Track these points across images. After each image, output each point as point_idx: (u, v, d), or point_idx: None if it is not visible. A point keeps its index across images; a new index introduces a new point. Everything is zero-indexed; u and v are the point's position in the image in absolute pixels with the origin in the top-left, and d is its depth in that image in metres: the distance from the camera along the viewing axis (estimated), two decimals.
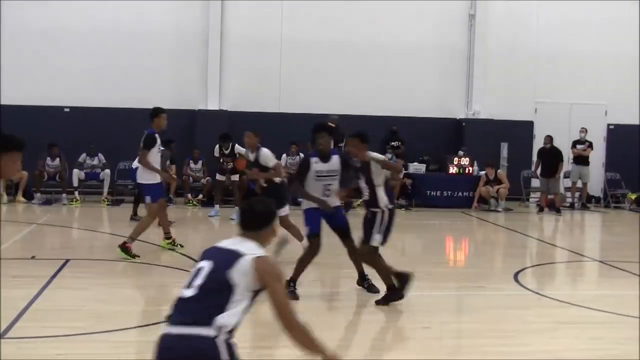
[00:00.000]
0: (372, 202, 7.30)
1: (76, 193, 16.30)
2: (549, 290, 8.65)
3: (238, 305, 3.42)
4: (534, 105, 19.23)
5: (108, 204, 16.04)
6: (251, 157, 9.78)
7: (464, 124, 18.93)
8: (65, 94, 17.10)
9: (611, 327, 6.86)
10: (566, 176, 18.02)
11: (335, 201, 7.73)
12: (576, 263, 10.89)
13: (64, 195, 16.12)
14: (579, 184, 18.14)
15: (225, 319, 3.37)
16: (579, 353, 5.96)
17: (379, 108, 18.36)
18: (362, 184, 7.33)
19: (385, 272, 7.36)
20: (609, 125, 19.51)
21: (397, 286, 7.29)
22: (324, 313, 7.19)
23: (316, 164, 7.58)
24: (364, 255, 7.51)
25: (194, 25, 18.01)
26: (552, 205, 16.90)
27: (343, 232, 7.80)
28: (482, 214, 16.38)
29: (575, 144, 17.92)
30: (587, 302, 7.69)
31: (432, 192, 17.34)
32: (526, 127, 19.19)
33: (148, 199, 9.87)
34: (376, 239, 7.25)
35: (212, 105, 17.98)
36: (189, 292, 3.47)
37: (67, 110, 17.18)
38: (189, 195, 16.32)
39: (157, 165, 10.00)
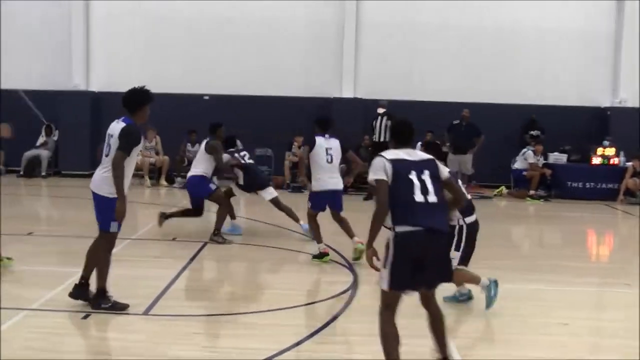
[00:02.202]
0: None
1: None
2: None
3: None
4: None
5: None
6: None
7: (609, 112, 17.99)
8: (205, 82, 17.80)
9: None
10: None
11: None
12: None
13: None
14: None
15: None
16: None
17: (518, 95, 17.80)
18: None
19: None
20: None
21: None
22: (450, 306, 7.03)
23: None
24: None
25: (330, 14, 18.15)
26: None
27: None
28: (628, 207, 15.48)
29: None
30: None
31: (574, 183, 16.60)
32: None
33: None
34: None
35: (347, 94, 18.06)
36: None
37: (206, 98, 17.83)
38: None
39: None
